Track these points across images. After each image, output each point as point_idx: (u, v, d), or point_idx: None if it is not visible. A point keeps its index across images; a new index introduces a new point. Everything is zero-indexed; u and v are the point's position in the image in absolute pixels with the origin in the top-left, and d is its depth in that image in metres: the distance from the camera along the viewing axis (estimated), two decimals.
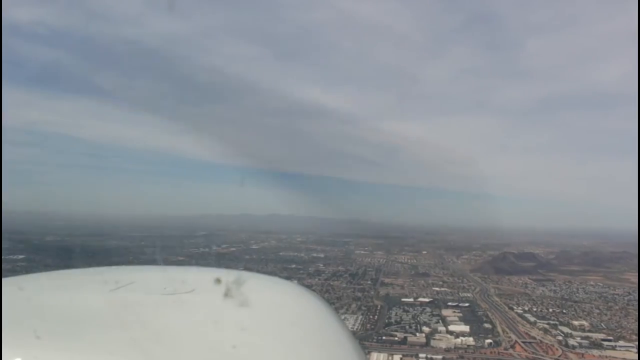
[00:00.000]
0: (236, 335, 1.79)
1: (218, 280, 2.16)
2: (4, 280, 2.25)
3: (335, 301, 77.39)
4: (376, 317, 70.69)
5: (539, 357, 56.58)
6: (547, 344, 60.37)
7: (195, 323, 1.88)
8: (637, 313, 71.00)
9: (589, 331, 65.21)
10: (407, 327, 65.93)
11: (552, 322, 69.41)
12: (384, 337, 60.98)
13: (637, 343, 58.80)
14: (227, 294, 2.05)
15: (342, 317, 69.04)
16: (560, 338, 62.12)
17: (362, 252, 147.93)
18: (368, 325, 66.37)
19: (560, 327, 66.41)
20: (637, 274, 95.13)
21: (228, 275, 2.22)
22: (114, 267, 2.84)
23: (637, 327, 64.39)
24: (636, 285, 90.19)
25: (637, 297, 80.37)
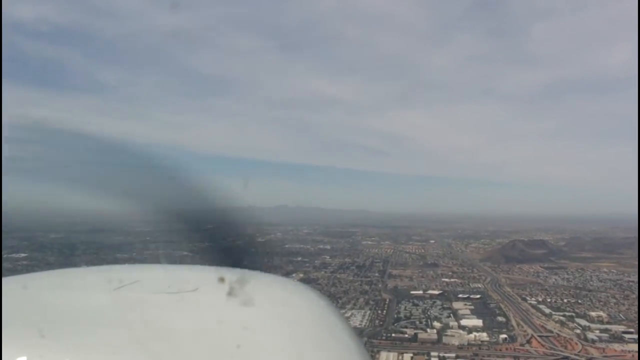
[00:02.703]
0: (240, 335, 1.78)
1: (221, 279, 2.12)
2: (7, 279, 2.24)
3: (342, 295, 75.28)
4: (384, 312, 68.37)
5: (558, 352, 53.96)
6: (565, 337, 57.77)
7: (199, 322, 1.88)
8: None
9: (608, 323, 62.55)
10: (418, 322, 63.52)
11: (568, 313, 66.82)
12: (393, 335, 58.54)
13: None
14: (230, 293, 2.03)
15: (350, 312, 67.14)
16: (578, 331, 59.45)
17: (369, 242, 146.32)
18: (376, 321, 64.00)
19: (577, 319, 63.74)
20: None
21: (231, 274, 2.17)
22: (117, 266, 2.69)
23: None
24: None
25: None
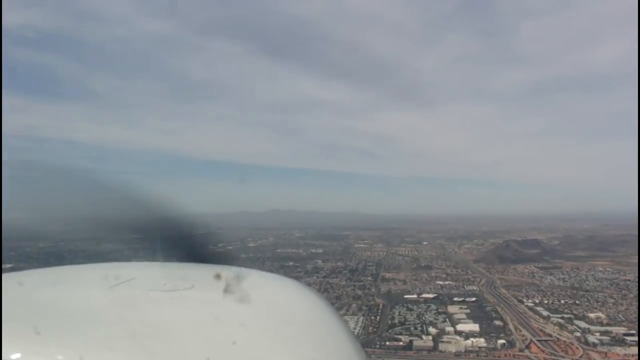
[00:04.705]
0: (236, 331, 1.80)
1: (218, 277, 2.13)
2: (3, 275, 2.25)
3: (334, 301, 72.96)
4: (378, 317, 66.22)
5: (559, 358, 51.95)
6: (565, 341, 55.84)
7: (195, 319, 1.89)
8: None
9: (608, 325, 60.79)
10: (412, 328, 61.37)
11: (566, 315, 65.06)
12: (387, 342, 56.40)
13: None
14: (226, 290, 2.03)
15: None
16: (578, 334, 57.61)
17: (362, 245, 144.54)
18: (370, 328, 61.81)
19: (576, 322, 61.97)
20: None
21: (228, 272, 2.18)
22: (113, 263, 2.67)
23: None
24: None
25: None
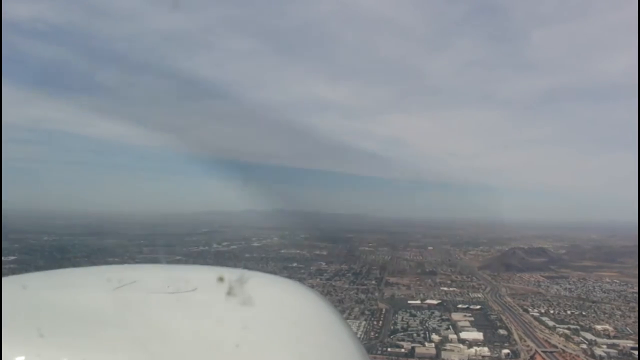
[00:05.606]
0: (239, 334, 1.80)
1: (221, 279, 2.12)
2: (7, 278, 2.22)
3: (337, 304, 72.09)
4: (381, 322, 65.45)
5: None
6: (570, 353, 54.80)
7: (198, 322, 1.89)
8: None
9: (615, 337, 59.58)
10: (415, 334, 60.54)
11: (572, 326, 63.88)
12: (389, 349, 55.57)
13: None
14: (229, 293, 2.03)
15: None
16: (584, 346, 56.47)
17: (367, 248, 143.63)
18: (372, 333, 61.07)
19: (582, 333, 60.80)
20: None
21: (231, 274, 2.17)
22: (116, 266, 2.62)
23: None
24: None
25: None
